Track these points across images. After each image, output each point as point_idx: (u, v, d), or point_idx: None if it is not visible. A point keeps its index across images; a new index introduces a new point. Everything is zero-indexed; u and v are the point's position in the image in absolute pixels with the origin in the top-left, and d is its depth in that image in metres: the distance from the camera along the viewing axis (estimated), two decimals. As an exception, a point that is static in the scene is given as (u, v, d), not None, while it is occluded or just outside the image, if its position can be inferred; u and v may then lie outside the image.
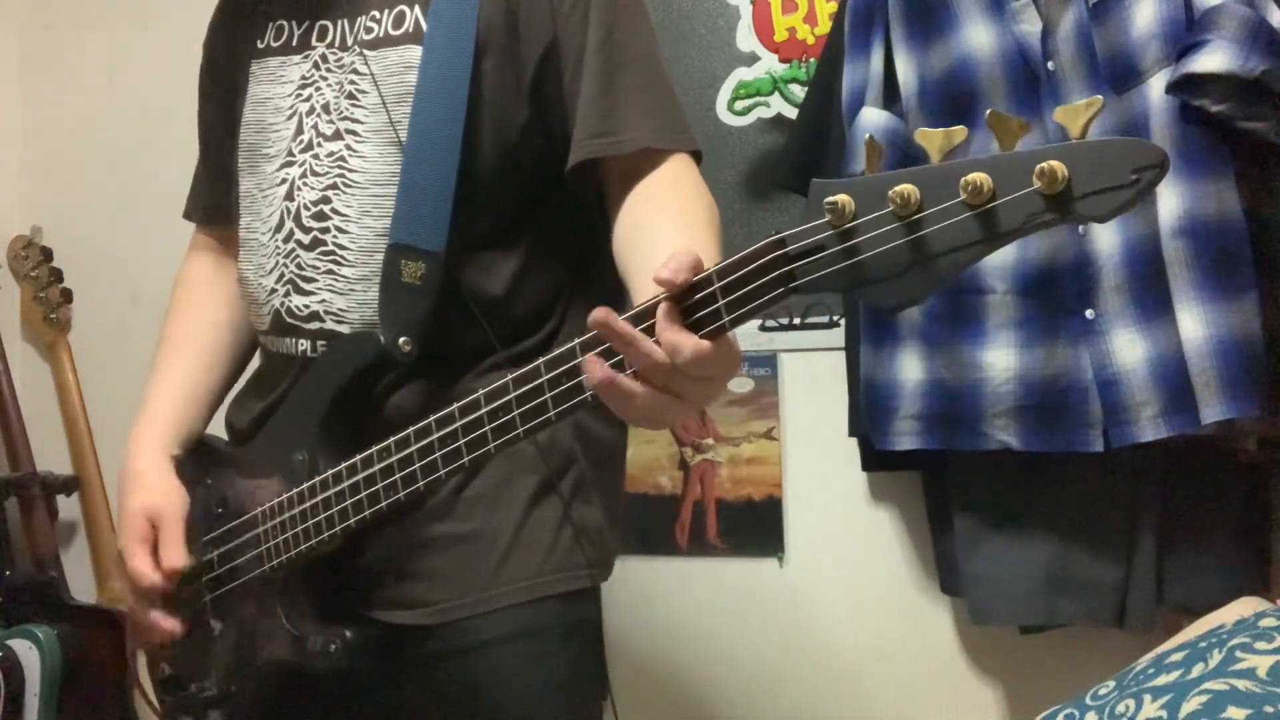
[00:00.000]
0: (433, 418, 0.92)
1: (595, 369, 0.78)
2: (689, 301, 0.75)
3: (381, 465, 0.96)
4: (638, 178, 1.01)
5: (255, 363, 1.25)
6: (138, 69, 2.24)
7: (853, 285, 0.70)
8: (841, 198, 0.69)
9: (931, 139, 0.67)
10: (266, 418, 1.13)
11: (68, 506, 2.19)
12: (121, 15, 2.26)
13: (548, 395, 0.84)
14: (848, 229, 0.69)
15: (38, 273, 2.22)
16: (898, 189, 0.67)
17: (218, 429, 1.23)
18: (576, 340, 0.82)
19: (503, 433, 0.87)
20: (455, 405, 0.90)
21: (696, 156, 1.05)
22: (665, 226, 0.96)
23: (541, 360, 0.84)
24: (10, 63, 2.35)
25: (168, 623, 1.10)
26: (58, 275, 2.23)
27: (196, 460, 1.18)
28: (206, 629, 1.13)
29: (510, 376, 0.86)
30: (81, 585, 2.12)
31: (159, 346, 1.23)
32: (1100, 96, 0.65)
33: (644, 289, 0.85)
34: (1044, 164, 0.62)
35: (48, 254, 2.24)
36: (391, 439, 0.95)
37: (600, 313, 0.76)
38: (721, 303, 0.74)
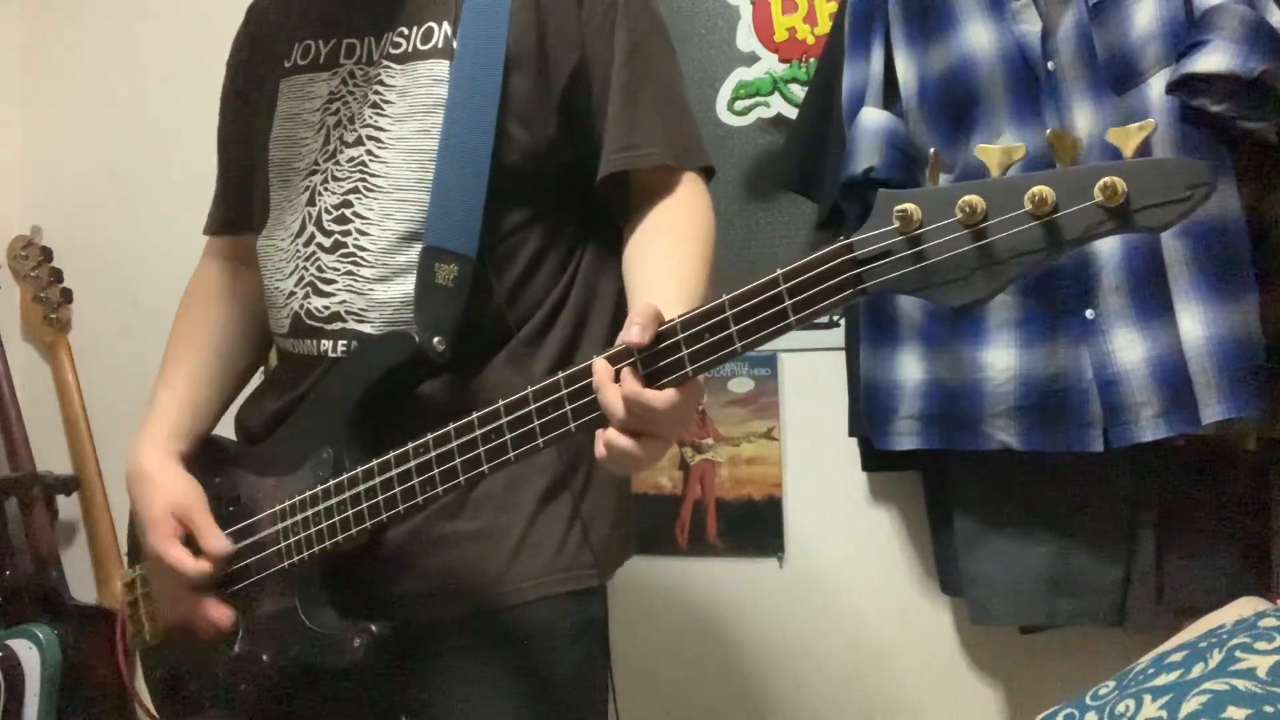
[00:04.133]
0: (452, 426, 0.95)
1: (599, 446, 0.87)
2: (756, 300, 0.81)
3: (400, 470, 0.98)
4: (654, 194, 1.09)
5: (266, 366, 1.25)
6: (138, 69, 2.24)
7: (920, 287, 0.76)
8: (910, 206, 0.75)
9: (991, 155, 0.74)
10: (283, 416, 1.13)
11: (68, 506, 2.19)
12: (122, 15, 2.26)
13: (568, 408, 0.89)
14: (916, 235, 0.75)
15: (38, 273, 2.22)
16: (966, 199, 0.72)
17: (226, 430, 1.23)
18: (594, 359, 0.88)
19: (523, 442, 0.92)
20: (475, 415, 0.94)
21: (709, 171, 1.13)
22: (661, 261, 1.05)
23: (561, 375, 0.90)
24: (10, 63, 2.35)
25: (223, 611, 1.09)
26: (58, 275, 2.23)
27: (204, 459, 1.18)
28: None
29: (530, 389, 0.91)
30: (81, 585, 2.12)
31: (166, 352, 1.24)
32: (1153, 120, 0.72)
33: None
34: (1106, 179, 0.68)
35: (48, 254, 2.24)
36: (410, 445, 0.98)
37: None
38: (789, 303, 0.81)
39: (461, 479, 0.95)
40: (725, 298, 0.83)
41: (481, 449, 0.93)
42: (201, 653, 1.12)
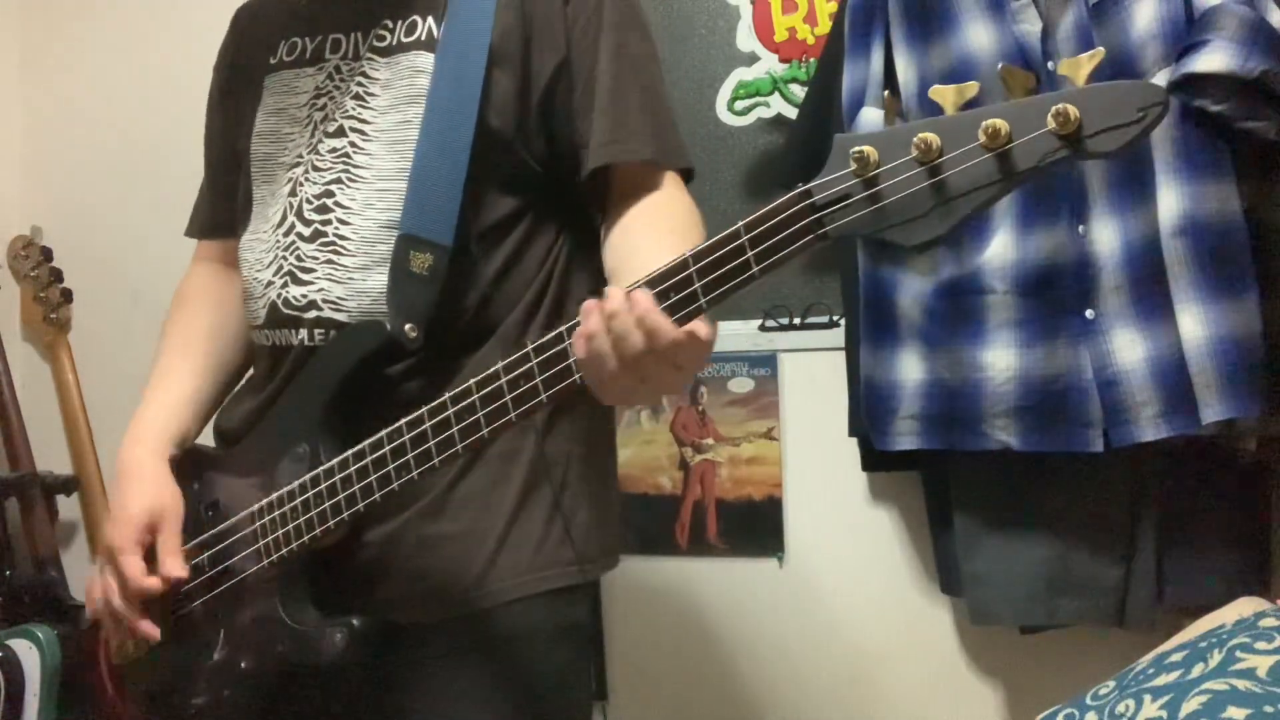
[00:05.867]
0: (425, 408, 0.95)
1: (579, 339, 0.84)
2: (721, 252, 0.81)
3: (375, 456, 0.98)
4: (637, 190, 1.08)
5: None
6: (138, 69, 2.24)
7: (881, 227, 0.76)
8: (866, 149, 0.75)
9: (945, 94, 0.75)
10: (259, 415, 1.13)
11: (68, 506, 2.19)
12: (122, 15, 2.26)
13: (538, 379, 0.89)
14: (872, 176, 0.75)
15: (38, 273, 2.22)
16: (921, 136, 0.73)
17: (205, 437, 1.22)
18: (563, 326, 0.88)
19: (496, 417, 0.91)
20: (447, 394, 0.94)
21: (689, 174, 1.13)
22: (653, 243, 1.02)
23: (530, 346, 0.90)
24: (10, 62, 2.35)
25: (150, 626, 1.10)
26: (58, 275, 2.23)
27: (183, 465, 1.17)
28: (195, 635, 1.13)
29: (501, 364, 0.91)
30: (81, 585, 2.11)
31: (157, 352, 1.24)
32: (1102, 48, 0.72)
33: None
34: (1059, 106, 0.69)
35: (48, 254, 2.24)
36: (383, 430, 0.98)
37: (591, 301, 0.84)
38: (750, 254, 0.80)
39: (436, 460, 0.95)
40: (688, 254, 0.82)
41: (455, 428, 0.93)
42: (186, 661, 1.12)
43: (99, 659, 1.96)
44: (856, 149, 0.75)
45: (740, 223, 0.80)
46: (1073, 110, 0.69)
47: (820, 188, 0.78)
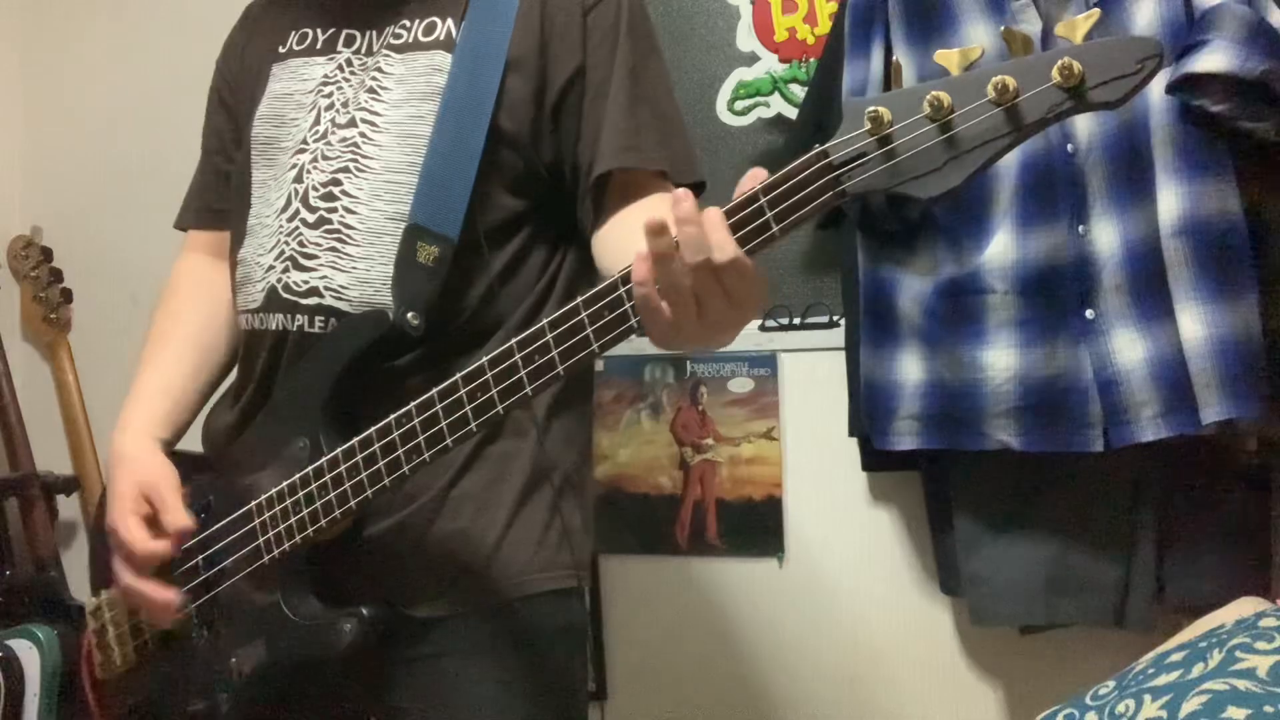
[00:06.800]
0: (435, 390, 0.95)
1: (641, 260, 0.82)
2: (737, 217, 0.82)
3: (383, 443, 0.98)
4: (643, 196, 1.08)
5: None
6: (138, 69, 2.24)
7: (897, 183, 0.79)
8: (880, 109, 0.78)
9: (950, 57, 0.78)
10: (252, 409, 1.13)
11: (68, 506, 2.19)
12: (122, 15, 2.26)
13: (554, 352, 0.89)
14: (886, 135, 0.78)
15: (38, 273, 2.22)
16: (933, 95, 0.76)
17: (193, 440, 1.22)
18: (579, 299, 0.87)
19: (511, 393, 0.91)
20: (458, 375, 0.93)
21: (700, 189, 1.12)
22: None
23: (545, 321, 0.89)
24: (10, 62, 2.35)
25: (166, 593, 1.08)
26: (58, 275, 2.23)
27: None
28: (189, 640, 1.12)
29: (515, 340, 0.90)
30: (81, 585, 2.11)
31: (148, 339, 1.24)
32: (1098, 9, 0.74)
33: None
34: (1063, 60, 0.73)
35: (48, 254, 2.24)
36: (392, 417, 0.97)
37: (652, 218, 0.82)
38: (770, 214, 0.81)
39: (449, 440, 0.94)
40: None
41: (468, 407, 0.93)
42: (179, 668, 1.12)
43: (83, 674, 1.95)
44: (871, 109, 0.78)
45: (758, 186, 0.82)
46: (1076, 64, 0.72)
47: (836, 148, 0.80)
